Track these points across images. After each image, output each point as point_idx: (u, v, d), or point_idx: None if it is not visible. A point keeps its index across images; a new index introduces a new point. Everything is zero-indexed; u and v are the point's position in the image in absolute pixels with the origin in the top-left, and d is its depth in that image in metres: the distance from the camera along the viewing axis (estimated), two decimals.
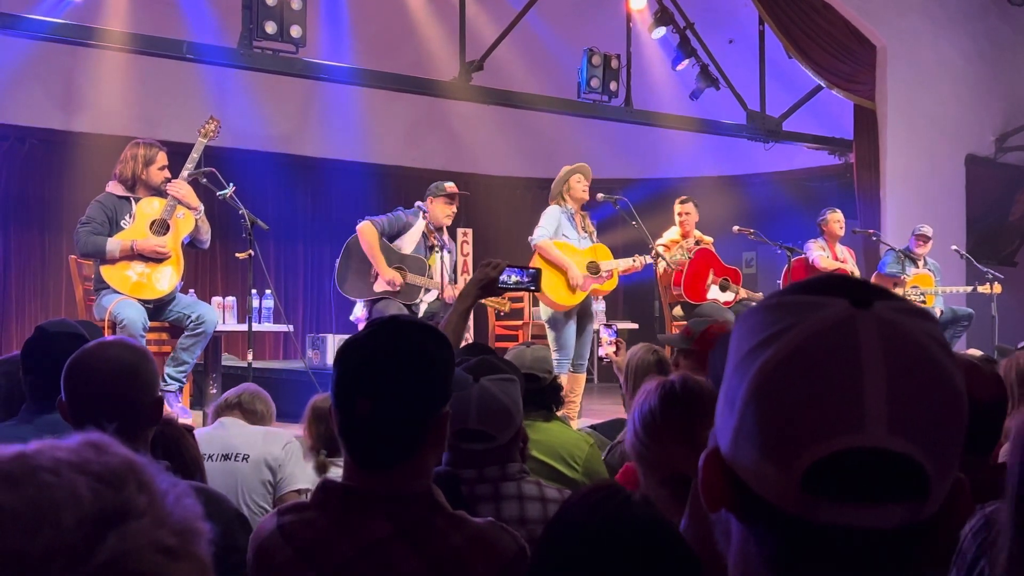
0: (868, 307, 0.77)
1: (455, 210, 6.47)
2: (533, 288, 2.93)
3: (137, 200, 5.59)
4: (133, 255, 5.46)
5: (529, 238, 6.65)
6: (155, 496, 0.69)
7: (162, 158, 5.64)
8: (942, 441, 0.76)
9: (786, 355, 0.76)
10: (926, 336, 0.77)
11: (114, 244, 5.43)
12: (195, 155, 5.77)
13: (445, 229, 6.45)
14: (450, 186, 6.42)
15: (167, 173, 5.63)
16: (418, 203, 6.43)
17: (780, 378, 0.76)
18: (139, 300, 5.43)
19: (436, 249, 6.38)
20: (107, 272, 5.45)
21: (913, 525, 0.76)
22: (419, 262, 6.30)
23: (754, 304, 0.85)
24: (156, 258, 5.51)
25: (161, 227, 5.56)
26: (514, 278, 2.83)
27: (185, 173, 5.71)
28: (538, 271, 2.95)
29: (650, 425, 1.81)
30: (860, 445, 0.73)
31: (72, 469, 0.67)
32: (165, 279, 5.54)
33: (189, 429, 2.90)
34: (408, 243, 6.31)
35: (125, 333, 5.21)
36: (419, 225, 6.34)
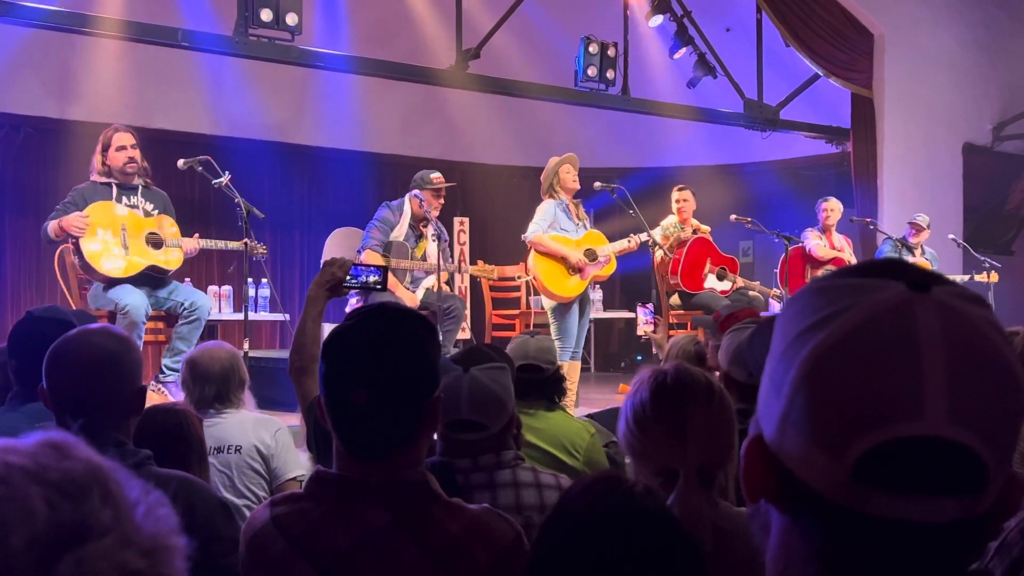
0: (926, 291, 0.74)
1: (442, 202, 6.44)
2: (380, 287, 2.83)
3: (120, 187, 5.58)
4: (61, 232, 5.40)
5: (522, 235, 6.64)
6: (122, 509, 0.60)
7: (118, 139, 5.57)
8: (1002, 433, 0.73)
9: (840, 338, 0.73)
10: (985, 323, 0.74)
11: (51, 227, 5.40)
12: None
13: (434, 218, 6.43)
14: (436, 177, 6.40)
15: (129, 152, 5.57)
16: (414, 191, 6.40)
17: (834, 361, 0.72)
18: (141, 274, 5.45)
19: (425, 237, 6.39)
20: (95, 263, 5.45)
21: (966, 522, 0.73)
22: (401, 247, 6.31)
23: (802, 287, 0.82)
24: (76, 234, 5.39)
25: (156, 244, 5.56)
26: (361, 277, 2.76)
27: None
28: (385, 269, 2.85)
29: (641, 418, 1.79)
30: (918, 434, 0.70)
31: (26, 477, 0.58)
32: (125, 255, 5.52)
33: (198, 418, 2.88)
34: (397, 236, 6.35)
35: (127, 319, 5.22)
36: (406, 216, 6.35)
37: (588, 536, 1.22)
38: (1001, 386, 0.72)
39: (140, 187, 5.67)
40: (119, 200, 5.58)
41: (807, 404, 0.73)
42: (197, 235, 5.79)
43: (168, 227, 5.60)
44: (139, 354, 2.26)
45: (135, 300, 5.29)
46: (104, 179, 5.59)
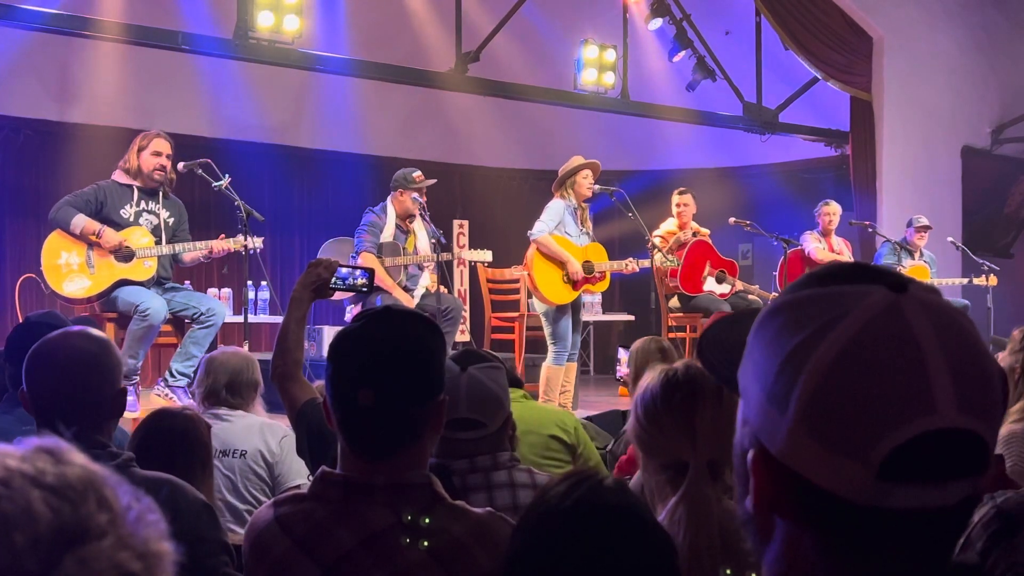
0: (905, 291, 0.78)
1: (425, 198, 6.48)
2: (366, 290, 2.77)
3: (141, 191, 5.60)
4: (90, 239, 5.44)
5: (528, 232, 6.66)
6: (116, 514, 0.61)
7: (155, 144, 5.61)
8: (995, 414, 0.78)
9: (843, 347, 0.75)
10: (956, 312, 0.79)
11: (81, 220, 5.43)
12: None
13: (418, 214, 6.44)
14: (418, 175, 6.44)
15: (163, 160, 5.61)
16: (396, 192, 6.45)
17: (841, 371, 0.75)
18: (153, 278, 5.52)
19: (413, 232, 6.45)
20: (57, 287, 5.47)
21: (969, 499, 0.78)
22: (393, 246, 6.35)
23: (776, 300, 0.83)
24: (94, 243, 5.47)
25: (126, 257, 5.56)
26: (348, 280, 2.70)
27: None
28: (372, 271, 2.79)
29: (651, 411, 1.80)
30: (935, 427, 0.74)
31: (26, 481, 0.59)
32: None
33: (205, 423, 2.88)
34: (386, 238, 6.39)
35: (146, 323, 5.27)
36: (391, 216, 6.39)
37: (558, 528, 1.24)
38: (986, 368, 0.77)
39: (161, 194, 5.71)
40: (138, 204, 5.62)
41: (822, 415, 0.75)
42: (223, 236, 5.80)
43: (140, 238, 5.59)
44: (118, 356, 2.25)
45: (156, 305, 5.31)
46: (127, 180, 5.62)
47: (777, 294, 6.60)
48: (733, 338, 0.92)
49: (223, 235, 5.83)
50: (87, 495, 0.60)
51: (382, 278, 6.12)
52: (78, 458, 0.63)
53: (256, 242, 5.72)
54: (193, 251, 5.72)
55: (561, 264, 6.58)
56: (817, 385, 0.75)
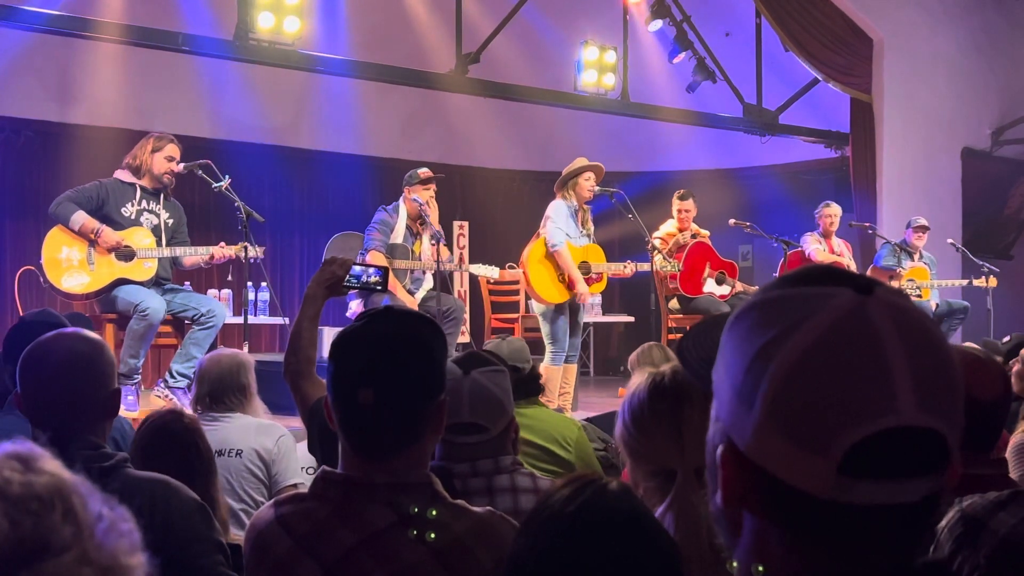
0: (871, 293, 0.80)
1: (434, 192, 6.50)
2: (380, 288, 2.80)
3: (144, 190, 5.60)
4: (89, 237, 5.44)
5: (550, 243, 6.58)
6: (82, 526, 0.59)
7: (170, 149, 5.66)
8: (956, 413, 0.79)
9: (809, 346, 0.77)
10: (922, 314, 0.81)
11: (80, 217, 5.43)
12: None
13: (428, 214, 6.45)
14: (424, 172, 6.48)
15: (173, 166, 5.65)
16: (405, 190, 6.48)
17: (807, 369, 0.77)
18: (153, 280, 5.52)
19: (421, 236, 6.47)
20: (56, 281, 5.48)
21: (931, 497, 0.79)
22: (404, 249, 6.37)
23: (747, 301, 0.85)
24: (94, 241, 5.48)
25: (126, 256, 5.55)
26: (362, 278, 2.71)
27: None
28: (386, 270, 2.81)
29: (639, 418, 1.80)
30: (895, 425, 0.76)
31: None
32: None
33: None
34: (396, 238, 6.39)
35: (145, 322, 5.27)
36: (402, 217, 6.40)
37: (562, 533, 1.23)
38: (948, 369, 0.79)
39: (162, 196, 5.71)
40: (139, 203, 5.62)
41: (787, 411, 0.77)
42: (222, 244, 5.79)
43: (142, 239, 5.58)
44: (111, 357, 2.25)
45: (155, 304, 5.31)
46: (130, 179, 5.62)
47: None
48: (711, 339, 0.93)
49: (223, 243, 5.82)
50: (53, 507, 0.58)
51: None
52: (49, 465, 0.61)
53: (258, 251, 5.72)
54: (194, 256, 5.72)
55: (562, 274, 6.56)
56: (782, 382, 0.77)
